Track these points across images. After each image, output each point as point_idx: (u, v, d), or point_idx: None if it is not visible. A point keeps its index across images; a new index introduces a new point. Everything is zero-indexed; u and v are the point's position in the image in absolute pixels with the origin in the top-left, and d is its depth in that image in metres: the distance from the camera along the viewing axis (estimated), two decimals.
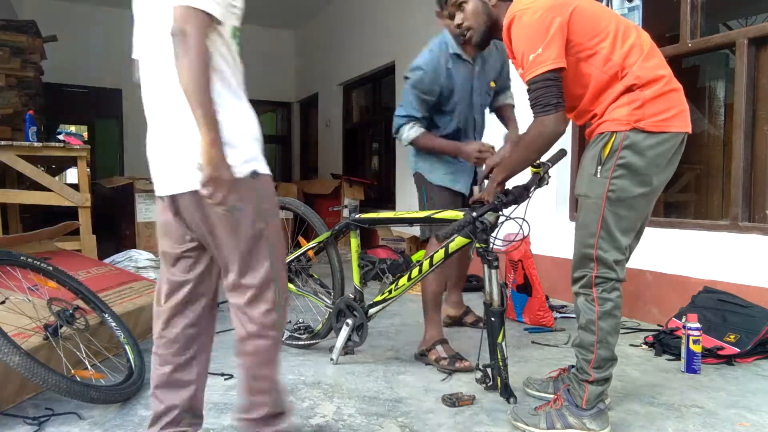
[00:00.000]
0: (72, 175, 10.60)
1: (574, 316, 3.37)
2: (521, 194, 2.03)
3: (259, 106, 10.01)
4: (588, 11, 1.78)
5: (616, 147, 1.72)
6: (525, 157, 1.85)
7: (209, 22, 1.34)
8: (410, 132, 2.60)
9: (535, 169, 2.03)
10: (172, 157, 1.46)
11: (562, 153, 2.19)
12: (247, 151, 1.44)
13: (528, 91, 1.77)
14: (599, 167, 1.75)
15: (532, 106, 1.77)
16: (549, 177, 2.09)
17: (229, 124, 1.40)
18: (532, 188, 2.06)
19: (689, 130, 1.79)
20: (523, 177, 2.04)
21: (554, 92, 1.72)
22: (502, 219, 2.09)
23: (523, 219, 2.06)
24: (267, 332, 1.52)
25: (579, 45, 1.76)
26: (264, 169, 1.48)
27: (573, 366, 1.94)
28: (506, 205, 2.01)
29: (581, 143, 3.82)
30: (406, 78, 2.59)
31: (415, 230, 5.59)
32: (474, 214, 1.99)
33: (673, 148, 1.75)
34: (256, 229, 1.46)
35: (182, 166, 1.43)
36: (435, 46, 2.58)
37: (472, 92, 2.62)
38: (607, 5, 3.78)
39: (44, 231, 3.11)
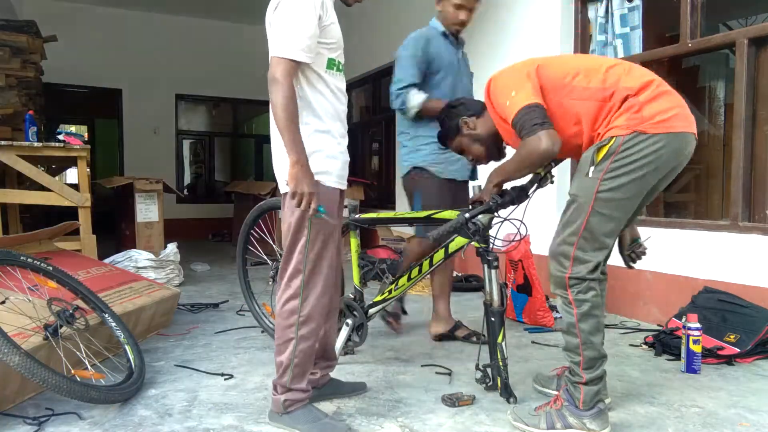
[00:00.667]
0: (72, 175, 10.62)
1: None
2: (519, 195, 2.02)
3: (259, 106, 10.02)
4: (553, 61, 1.91)
5: (614, 149, 1.72)
6: (519, 169, 1.88)
7: (296, 66, 1.71)
8: (418, 96, 2.69)
9: (536, 171, 2.02)
10: (276, 167, 1.87)
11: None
12: (312, 165, 1.73)
13: (513, 127, 1.81)
14: (591, 167, 1.77)
15: (519, 134, 1.79)
16: (552, 176, 2.08)
17: (306, 141, 1.73)
18: (532, 189, 2.06)
19: (692, 130, 1.79)
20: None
21: (538, 114, 1.75)
22: (497, 220, 2.08)
23: (521, 221, 2.06)
24: (283, 313, 1.82)
25: (555, 89, 1.82)
26: (327, 182, 1.81)
27: None
28: (502, 206, 2.01)
29: None
30: (398, 54, 2.81)
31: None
32: (467, 215, 1.99)
33: (676, 149, 1.74)
34: (300, 228, 1.78)
35: (278, 174, 1.85)
36: (423, 28, 2.87)
37: (458, 65, 2.86)
38: (607, 5, 3.78)
39: (44, 231, 3.11)
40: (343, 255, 2.77)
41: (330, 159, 1.82)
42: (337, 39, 1.83)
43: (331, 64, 1.82)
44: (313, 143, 1.77)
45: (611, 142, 1.73)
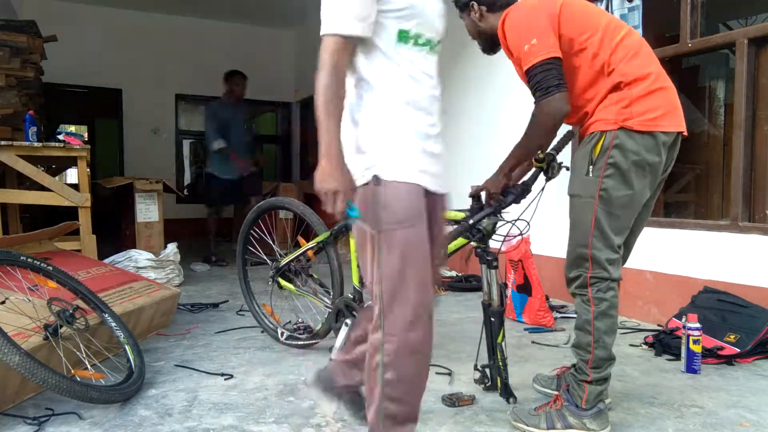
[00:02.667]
0: (72, 175, 10.61)
1: (574, 316, 3.37)
2: (522, 193, 2.01)
3: (259, 106, 10.01)
4: (577, 7, 1.82)
5: (606, 146, 1.73)
6: (532, 142, 1.84)
7: (346, 43, 1.38)
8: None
9: (538, 164, 2.00)
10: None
11: (568, 135, 2.15)
12: (372, 157, 1.42)
13: (528, 80, 1.78)
14: (591, 167, 1.76)
15: (534, 92, 1.77)
16: (559, 164, 2.03)
17: (365, 129, 1.43)
18: (533, 183, 2.04)
19: (681, 129, 1.79)
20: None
21: (555, 74, 1.72)
22: (500, 224, 2.05)
23: (527, 223, 2.03)
24: (370, 342, 1.46)
25: (570, 40, 1.78)
26: (392, 175, 1.40)
27: (574, 365, 1.94)
28: (505, 207, 2.00)
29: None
30: None
31: None
32: (470, 222, 1.97)
33: (662, 148, 1.75)
34: (365, 237, 1.43)
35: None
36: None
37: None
38: (607, 5, 3.78)
39: (44, 231, 3.11)
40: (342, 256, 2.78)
41: (398, 146, 1.44)
42: (410, 3, 1.42)
43: (403, 36, 1.43)
44: (372, 126, 1.44)
45: (603, 138, 1.73)
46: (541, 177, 2.06)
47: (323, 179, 1.37)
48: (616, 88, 1.74)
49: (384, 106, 1.44)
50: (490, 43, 2.04)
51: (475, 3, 2.00)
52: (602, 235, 1.76)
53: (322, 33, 1.40)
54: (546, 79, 1.72)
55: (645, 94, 1.72)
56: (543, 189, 2.04)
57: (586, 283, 1.79)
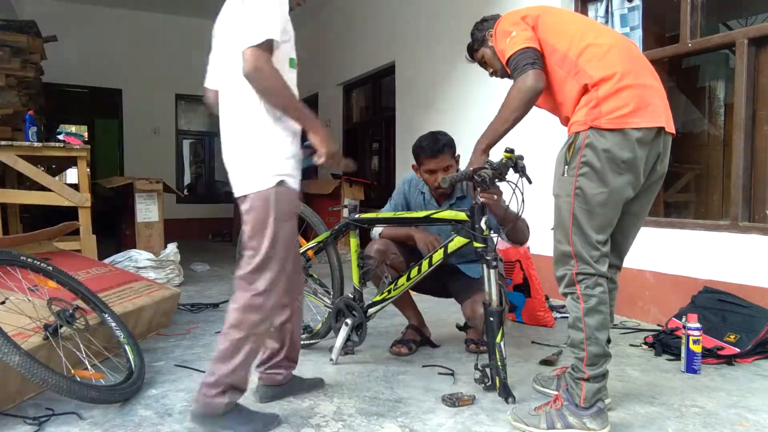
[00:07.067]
0: (72, 175, 10.62)
1: None
2: (502, 172, 2.02)
3: None
4: (556, 17, 1.97)
5: (579, 146, 1.77)
6: (505, 117, 1.90)
7: (272, 49, 1.65)
8: (376, 229, 2.80)
9: (507, 154, 2.03)
10: (234, 169, 1.80)
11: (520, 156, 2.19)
12: (276, 167, 1.74)
13: (508, 66, 1.90)
14: (566, 167, 1.81)
15: (513, 74, 1.87)
16: (525, 168, 2.06)
17: (267, 145, 1.73)
18: (507, 171, 2.05)
19: (657, 124, 1.77)
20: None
21: (530, 56, 1.84)
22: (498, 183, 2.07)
23: (521, 183, 2.04)
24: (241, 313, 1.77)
25: (544, 41, 1.89)
26: (289, 183, 1.76)
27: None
28: (495, 170, 2.00)
29: None
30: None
31: None
32: (471, 168, 2.01)
33: (636, 145, 1.74)
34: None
35: (238, 177, 1.78)
36: (406, 181, 2.88)
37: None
38: (607, 5, 3.78)
39: (44, 231, 3.11)
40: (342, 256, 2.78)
41: (288, 159, 1.78)
42: (292, 34, 1.78)
43: (293, 63, 1.81)
44: (271, 143, 1.74)
45: (575, 140, 1.78)
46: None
47: (327, 142, 1.76)
48: (585, 90, 1.80)
49: (276, 121, 1.74)
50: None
51: (491, 30, 2.07)
52: (581, 232, 1.79)
53: (250, 45, 1.60)
54: (522, 60, 1.83)
55: (611, 93, 1.75)
56: (517, 183, 2.05)
57: (573, 281, 1.80)
